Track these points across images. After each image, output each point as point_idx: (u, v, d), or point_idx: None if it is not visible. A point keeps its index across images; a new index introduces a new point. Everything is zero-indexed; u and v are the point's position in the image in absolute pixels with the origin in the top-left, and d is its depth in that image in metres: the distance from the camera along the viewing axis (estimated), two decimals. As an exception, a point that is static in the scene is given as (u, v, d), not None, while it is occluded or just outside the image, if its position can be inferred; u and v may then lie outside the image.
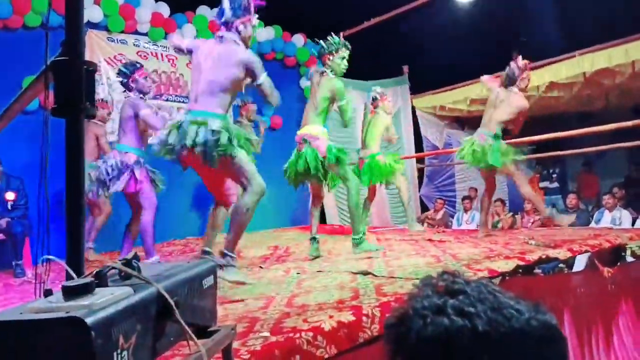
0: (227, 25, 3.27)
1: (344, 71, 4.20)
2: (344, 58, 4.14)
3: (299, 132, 4.16)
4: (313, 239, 4.24)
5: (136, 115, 4.25)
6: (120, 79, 4.45)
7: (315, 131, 4.03)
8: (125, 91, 4.46)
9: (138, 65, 4.46)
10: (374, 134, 5.86)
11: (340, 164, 3.96)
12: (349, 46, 4.23)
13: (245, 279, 3.11)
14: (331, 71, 4.11)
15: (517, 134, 5.06)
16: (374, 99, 6.03)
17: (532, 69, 6.65)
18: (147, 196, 4.17)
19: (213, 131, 2.97)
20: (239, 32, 3.27)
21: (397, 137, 6.45)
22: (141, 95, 4.34)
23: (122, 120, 4.33)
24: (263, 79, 3.20)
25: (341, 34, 4.28)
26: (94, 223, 5.18)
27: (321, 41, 4.26)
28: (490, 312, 0.54)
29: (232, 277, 3.01)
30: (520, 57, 4.81)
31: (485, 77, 5.19)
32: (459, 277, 0.60)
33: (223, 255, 3.07)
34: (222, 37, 3.25)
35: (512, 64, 4.80)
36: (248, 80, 3.24)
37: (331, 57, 4.11)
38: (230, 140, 2.99)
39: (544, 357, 0.54)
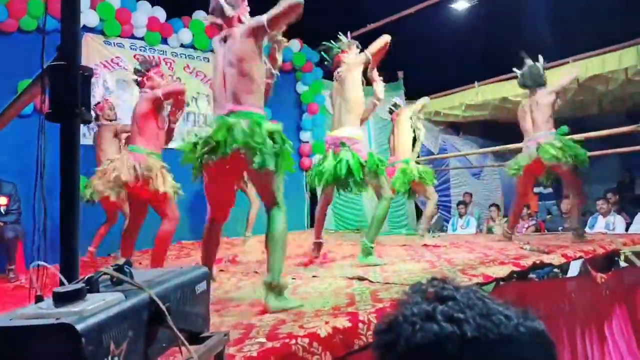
0: (230, 20, 2.95)
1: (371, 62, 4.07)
2: (357, 53, 4.06)
3: (332, 134, 3.95)
4: (319, 243, 4.22)
5: (154, 111, 3.88)
6: (136, 77, 4.20)
7: (353, 134, 3.84)
8: (140, 91, 4.23)
9: (154, 63, 4.27)
10: (401, 140, 5.61)
11: (380, 173, 3.80)
12: (359, 45, 4.16)
13: (295, 303, 2.54)
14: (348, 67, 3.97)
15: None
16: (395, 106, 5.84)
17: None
18: (169, 205, 3.78)
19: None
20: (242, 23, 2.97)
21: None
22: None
23: (137, 117, 3.89)
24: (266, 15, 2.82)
25: (349, 33, 4.22)
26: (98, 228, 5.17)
27: (329, 43, 4.21)
28: (479, 318, 0.54)
29: (282, 304, 2.50)
30: (541, 58, 4.76)
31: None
32: (449, 284, 0.60)
33: (271, 286, 2.52)
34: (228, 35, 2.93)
35: (539, 64, 4.71)
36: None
37: (345, 55, 4.03)
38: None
39: None
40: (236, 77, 2.77)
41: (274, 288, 2.49)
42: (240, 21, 2.99)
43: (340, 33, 4.23)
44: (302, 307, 2.46)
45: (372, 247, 3.81)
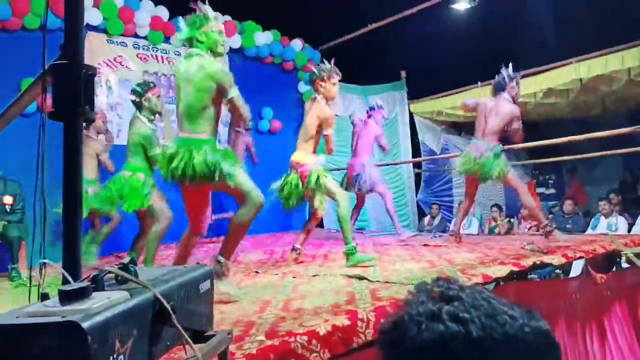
0: (190, 41, 3.04)
1: (335, 97, 4.25)
2: (334, 84, 4.17)
3: (291, 158, 4.23)
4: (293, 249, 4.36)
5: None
6: (133, 97, 4.32)
7: (301, 158, 4.11)
8: (136, 111, 4.33)
9: (152, 85, 4.39)
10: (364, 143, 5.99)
11: (320, 186, 4.01)
12: (339, 73, 4.25)
13: (236, 292, 2.89)
14: (322, 97, 4.13)
15: (520, 142, 5.06)
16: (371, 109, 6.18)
17: (526, 75, 6.72)
18: (159, 211, 4.12)
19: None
20: (202, 43, 3.02)
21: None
22: (151, 117, 4.28)
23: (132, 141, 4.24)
24: (233, 93, 2.96)
25: (333, 61, 4.29)
26: (100, 230, 5.15)
27: (313, 68, 4.34)
28: (485, 318, 0.55)
29: (224, 288, 2.81)
30: (510, 66, 4.84)
31: (468, 100, 5.32)
32: (454, 283, 0.61)
33: (217, 262, 2.91)
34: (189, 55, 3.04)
35: (503, 71, 4.84)
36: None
37: (322, 84, 4.12)
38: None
39: None
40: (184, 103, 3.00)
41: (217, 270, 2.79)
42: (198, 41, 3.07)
43: (324, 60, 4.31)
44: (240, 299, 2.79)
45: (354, 247, 3.90)
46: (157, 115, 4.38)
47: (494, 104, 4.78)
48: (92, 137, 5.17)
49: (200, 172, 2.84)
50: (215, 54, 3.07)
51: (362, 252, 4.15)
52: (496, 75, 4.91)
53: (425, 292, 0.61)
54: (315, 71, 4.22)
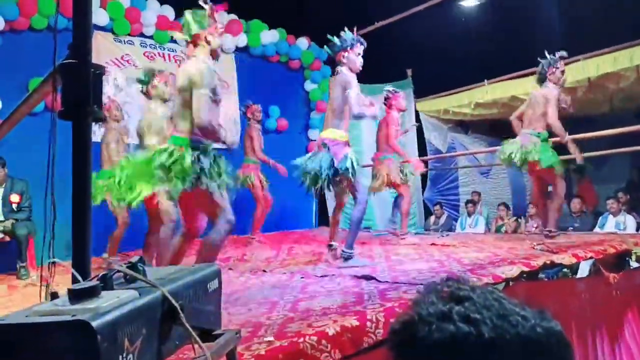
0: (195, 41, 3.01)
1: (361, 68, 3.98)
2: (359, 54, 3.93)
3: (320, 135, 4.03)
4: (330, 245, 4.16)
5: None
6: (140, 87, 4.25)
7: (334, 135, 3.84)
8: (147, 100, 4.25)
9: (157, 71, 4.25)
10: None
11: (351, 174, 3.76)
12: (364, 42, 4.03)
13: None
14: (347, 69, 3.90)
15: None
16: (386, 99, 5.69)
17: (532, 74, 6.69)
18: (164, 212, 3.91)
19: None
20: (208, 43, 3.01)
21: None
22: (162, 104, 4.15)
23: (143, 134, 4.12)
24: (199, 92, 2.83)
25: (354, 28, 4.09)
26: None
27: (335, 38, 4.05)
28: (496, 319, 0.54)
29: None
30: (547, 54, 4.79)
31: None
32: (464, 284, 0.60)
33: None
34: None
35: (542, 60, 4.79)
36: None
37: (345, 54, 3.89)
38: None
39: None
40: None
41: None
42: (207, 41, 3.01)
43: (346, 29, 4.07)
44: None
45: (350, 253, 3.80)
46: (168, 103, 4.14)
47: (537, 93, 4.75)
48: (114, 126, 5.02)
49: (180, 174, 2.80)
50: (214, 56, 3.05)
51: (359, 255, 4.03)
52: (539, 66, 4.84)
53: (434, 292, 0.60)
54: (338, 41, 3.97)
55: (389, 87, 5.92)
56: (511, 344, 0.53)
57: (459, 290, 0.58)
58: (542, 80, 4.78)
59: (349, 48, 3.92)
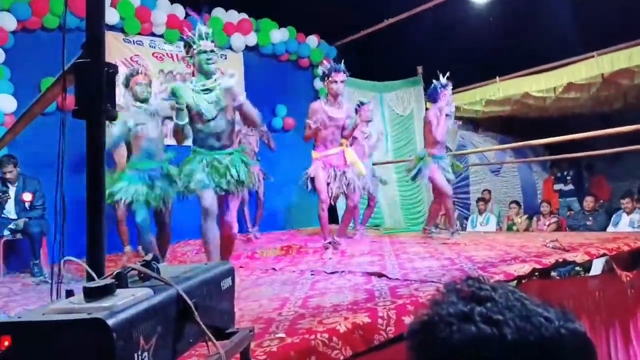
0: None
1: (338, 93, 4.56)
2: (336, 81, 4.51)
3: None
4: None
5: None
6: (124, 89, 4.34)
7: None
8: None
9: (135, 72, 4.26)
10: None
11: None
12: (339, 68, 4.53)
13: None
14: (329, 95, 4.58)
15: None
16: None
17: (546, 70, 6.64)
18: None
19: None
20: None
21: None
22: (137, 103, 4.16)
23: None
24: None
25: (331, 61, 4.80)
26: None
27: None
28: (519, 321, 0.53)
29: None
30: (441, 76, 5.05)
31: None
32: (485, 283, 0.59)
33: None
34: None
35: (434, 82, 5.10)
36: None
37: (326, 84, 4.58)
38: None
39: None
40: None
41: None
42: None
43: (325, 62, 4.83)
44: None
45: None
46: (143, 104, 4.16)
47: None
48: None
49: None
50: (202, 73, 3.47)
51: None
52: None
53: (454, 292, 0.59)
54: (320, 72, 4.68)
55: (363, 99, 6.32)
56: (535, 346, 0.52)
57: (480, 290, 0.57)
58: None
59: (327, 78, 4.51)
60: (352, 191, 4.63)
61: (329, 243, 4.53)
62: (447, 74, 5.17)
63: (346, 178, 4.57)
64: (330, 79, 4.50)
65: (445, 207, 5.25)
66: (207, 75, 3.46)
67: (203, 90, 3.42)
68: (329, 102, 4.58)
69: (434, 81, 5.26)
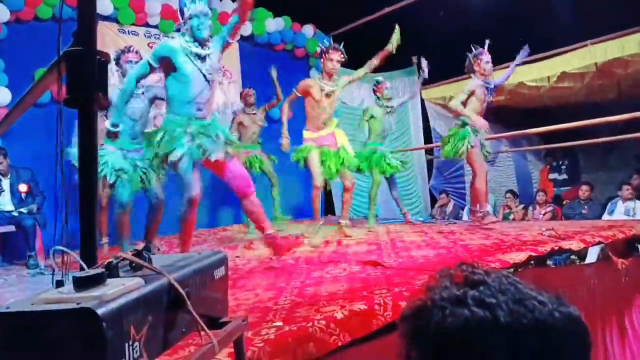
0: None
1: (332, 70, 4.60)
2: (332, 60, 4.55)
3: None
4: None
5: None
6: (115, 67, 4.34)
7: None
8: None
9: (127, 50, 4.31)
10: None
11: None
12: (338, 47, 4.63)
13: None
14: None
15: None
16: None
17: (539, 59, 6.63)
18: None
19: None
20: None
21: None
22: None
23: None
24: None
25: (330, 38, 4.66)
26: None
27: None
28: (512, 304, 0.52)
29: None
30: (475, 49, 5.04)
31: None
32: (478, 268, 0.58)
33: None
34: None
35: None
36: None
37: (322, 61, 4.66)
38: None
39: (568, 348, 0.53)
40: None
41: None
42: None
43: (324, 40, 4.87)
44: None
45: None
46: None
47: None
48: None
49: None
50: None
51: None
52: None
53: (448, 277, 0.58)
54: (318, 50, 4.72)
55: (379, 77, 6.38)
56: (528, 329, 0.51)
57: (473, 274, 0.57)
58: (469, 71, 5.09)
59: (324, 55, 4.56)
60: (347, 170, 4.64)
61: (319, 228, 4.57)
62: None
63: (340, 157, 4.58)
64: (327, 56, 4.52)
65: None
66: (201, 43, 3.29)
67: (196, 55, 3.27)
68: (324, 80, 4.60)
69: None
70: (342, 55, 4.56)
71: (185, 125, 3.22)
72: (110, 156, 3.99)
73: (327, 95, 4.56)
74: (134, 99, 4.06)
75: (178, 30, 3.52)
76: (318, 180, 4.50)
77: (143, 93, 4.16)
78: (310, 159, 4.52)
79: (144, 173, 4.02)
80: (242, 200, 3.39)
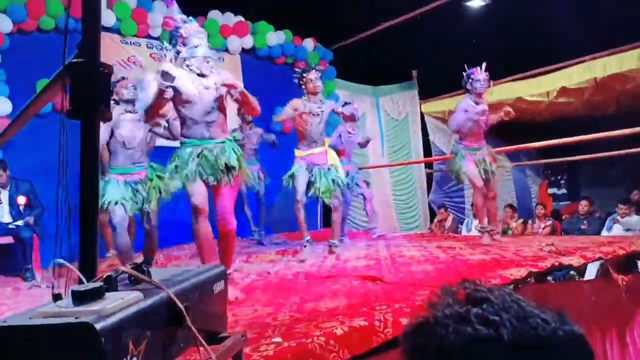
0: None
1: (314, 90, 4.70)
2: (311, 80, 4.67)
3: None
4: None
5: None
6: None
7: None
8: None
9: (120, 79, 4.29)
10: None
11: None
12: (319, 69, 4.86)
13: None
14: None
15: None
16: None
17: (540, 74, 6.66)
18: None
19: None
20: None
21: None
22: (128, 109, 4.14)
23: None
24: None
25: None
26: None
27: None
28: (516, 322, 0.52)
29: None
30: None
31: None
32: (481, 285, 0.58)
33: None
34: None
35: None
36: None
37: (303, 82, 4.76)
38: None
39: None
40: None
41: None
42: None
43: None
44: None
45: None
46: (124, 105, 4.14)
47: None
48: None
49: None
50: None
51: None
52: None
53: (451, 294, 0.58)
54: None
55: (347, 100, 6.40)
56: (532, 347, 0.51)
57: (476, 291, 0.56)
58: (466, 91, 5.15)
59: (303, 80, 4.70)
60: (336, 189, 4.65)
61: (307, 242, 4.70)
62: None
63: (331, 176, 4.60)
64: (306, 79, 4.67)
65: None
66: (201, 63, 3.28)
67: (198, 75, 3.24)
68: (311, 100, 4.69)
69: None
70: (317, 72, 4.76)
71: (193, 147, 3.18)
72: (109, 187, 3.95)
73: (315, 114, 4.63)
74: (134, 125, 4.08)
75: (171, 42, 3.49)
76: (299, 194, 4.63)
77: (139, 120, 4.12)
78: (296, 175, 4.67)
79: (144, 198, 4.02)
80: (219, 233, 3.21)
